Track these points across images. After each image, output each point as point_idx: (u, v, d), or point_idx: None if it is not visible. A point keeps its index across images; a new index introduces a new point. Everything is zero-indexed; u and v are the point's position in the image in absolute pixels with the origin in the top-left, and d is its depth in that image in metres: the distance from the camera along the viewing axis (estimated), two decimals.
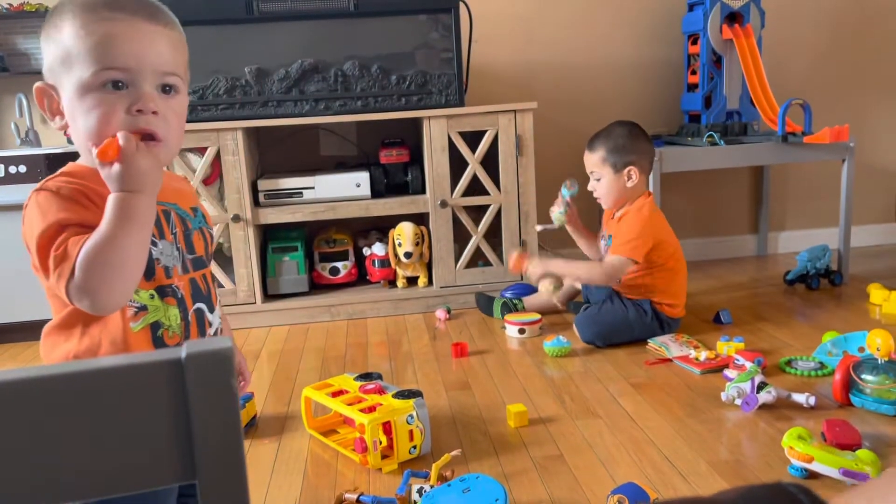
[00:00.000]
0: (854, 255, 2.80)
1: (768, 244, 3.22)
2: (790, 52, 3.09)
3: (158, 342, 0.90)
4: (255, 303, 2.53)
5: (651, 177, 2.51)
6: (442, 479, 1.36)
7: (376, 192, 2.61)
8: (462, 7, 2.55)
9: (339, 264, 2.69)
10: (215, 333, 0.98)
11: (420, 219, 2.66)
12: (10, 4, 2.70)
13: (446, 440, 1.57)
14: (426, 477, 1.38)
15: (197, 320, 0.95)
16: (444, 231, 2.58)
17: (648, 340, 2.10)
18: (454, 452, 1.43)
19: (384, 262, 2.64)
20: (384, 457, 1.47)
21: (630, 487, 1.26)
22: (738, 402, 1.64)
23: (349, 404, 1.52)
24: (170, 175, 0.98)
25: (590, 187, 2.25)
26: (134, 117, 0.84)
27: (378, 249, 2.64)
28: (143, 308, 0.89)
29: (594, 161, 2.20)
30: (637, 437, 1.55)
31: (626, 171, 2.16)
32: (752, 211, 3.23)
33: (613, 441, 1.53)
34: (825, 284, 2.64)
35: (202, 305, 0.96)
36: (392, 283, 2.68)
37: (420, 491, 1.31)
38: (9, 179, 2.37)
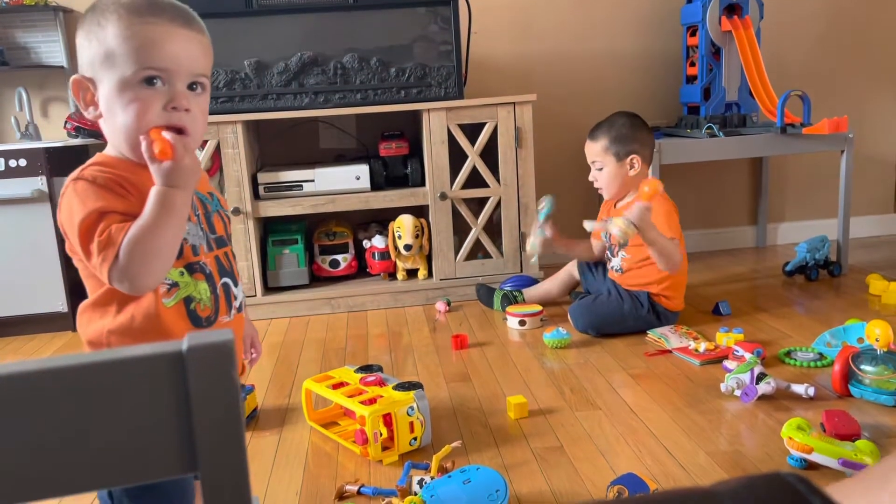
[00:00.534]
0: (853, 245, 2.80)
1: (767, 235, 3.22)
2: (789, 44, 3.08)
3: (192, 315, 0.98)
4: (255, 295, 2.54)
5: (650, 168, 2.51)
6: (442, 470, 1.37)
7: (376, 185, 2.61)
8: None
9: (339, 257, 2.69)
10: (240, 306, 1.06)
11: (420, 211, 2.66)
12: None
13: (447, 432, 1.58)
14: (427, 468, 1.39)
15: (224, 293, 1.02)
16: (444, 223, 2.58)
17: (648, 332, 2.10)
18: (454, 444, 1.44)
19: (384, 254, 2.64)
20: (385, 448, 1.48)
21: (630, 478, 1.26)
22: (738, 393, 1.64)
23: (350, 396, 1.52)
24: None
25: (591, 178, 2.25)
26: (168, 113, 0.92)
27: (378, 242, 2.64)
28: (174, 285, 0.96)
29: (596, 150, 2.20)
30: (637, 427, 1.55)
31: (628, 160, 2.16)
32: (751, 202, 3.23)
33: (613, 432, 1.54)
34: (824, 275, 2.64)
35: (228, 280, 1.03)
36: (392, 275, 2.68)
37: (421, 482, 1.32)
38: (9, 173, 2.37)
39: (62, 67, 2.77)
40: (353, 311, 2.58)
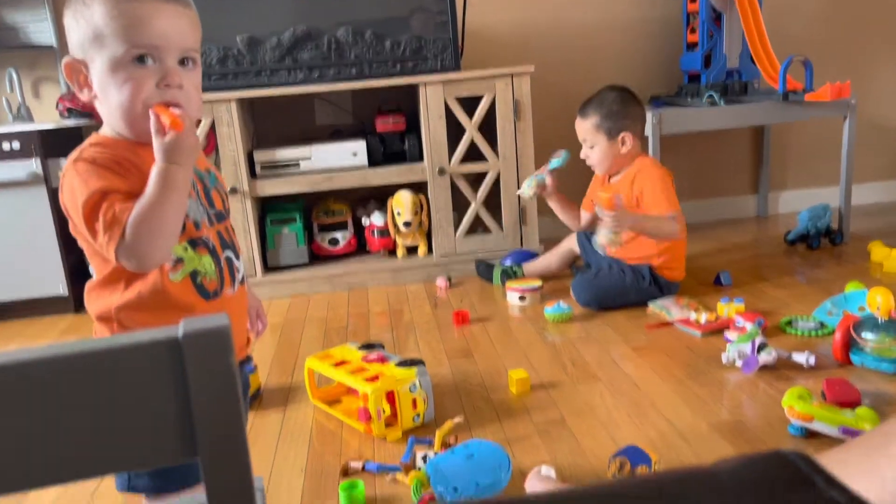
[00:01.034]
0: (855, 213, 2.79)
1: (769, 204, 3.21)
2: (791, 9, 3.03)
3: (200, 288, 0.99)
4: (255, 275, 2.54)
5: (651, 138, 2.49)
6: (445, 445, 1.38)
7: (373, 161, 2.59)
8: None
9: (338, 235, 2.68)
10: (242, 279, 1.08)
11: (418, 187, 2.64)
12: None
13: (449, 407, 1.59)
14: (430, 444, 1.40)
15: (228, 267, 1.04)
16: (443, 199, 2.56)
17: (649, 303, 2.10)
18: (457, 419, 1.45)
19: (383, 231, 2.63)
20: (388, 425, 1.48)
21: (632, 450, 1.27)
22: (739, 363, 1.65)
23: (352, 374, 1.53)
24: None
25: (582, 155, 2.23)
26: (161, 91, 0.93)
27: (377, 219, 2.63)
28: (179, 260, 0.98)
29: (587, 128, 2.18)
30: (638, 400, 1.56)
31: (620, 137, 2.14)
32: (752, 171, 3.21)
33: (615, 404, 1.55)
34: (826, 244, 2.63)
35: (230, 254, 1.05)
36: (392, 252, 2.67)
37: (424, 458, 1.33)
38: (3, 156, 2.36)
39: (52, 47, 2.73)
40: (354, 289, 2.58)
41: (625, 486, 0.36)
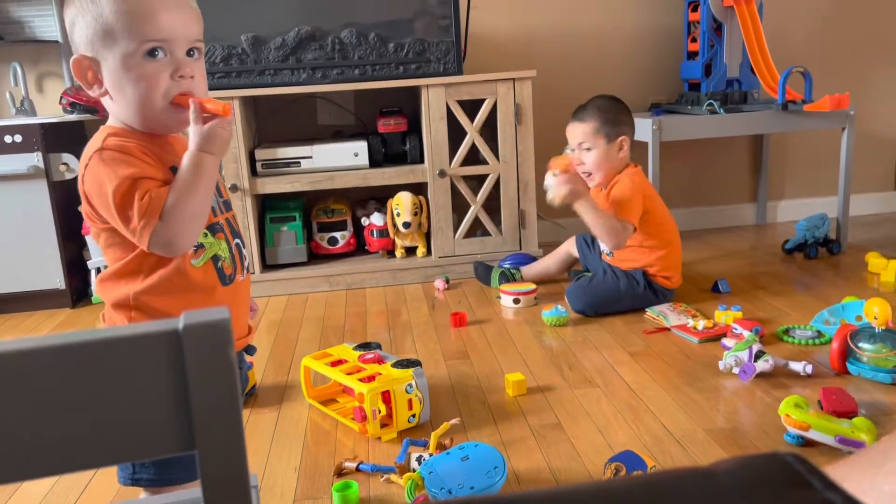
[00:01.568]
0: (853, 223, 2.80)
1: (767, 213, 3.21)
2: (791, 20, 3.04)
3: (220, 272, 1.03)
4: (253, 273, 2.53)
5: (650, 145, 2.50)
6: (441, 447, 1.37)
7: (374, 162, 2.59)
8: None
9: (337, 234, 2.69)
10: (247, 266, 1.11)
11: (418, 188, 2.64)
12: None
13: (445, 409, 1.59)
14: (425, 445, 1.40)
15: (238, 253, 1.07)
16: (443, 201, 2.57)
17: (646, 309, 2.10)
18: (453, 421, 1.45)
19: (383, 232, 2.63)
20: (383, 425, 1.48)
21: (627, 455, 1.27)
22: (736, 370, 1.65)
23: (348, 374, 1.53)
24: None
25: (575, 162, 2.16)
26: (177, 82, 0.95)
27: (376, 219, 2.63)
28: (200, 246, 1.01)
29: (586, 131, 2.16)
30: (635, 405, 1.56)
31: (618, 140, 2.14)
32: (751, 180, 3.21)
33: (611, 409, 1.55)
34: (823, 253, 2.64)
35: (239, 241, 1.09)
36: (391, 253, 2.67)
37: (419, 459, 1.33)
38: (5, 149, 2.36)
39: (56, 42, 2.74)
40: (352, 288, 2.58)
41: (620, 485, 0.36)
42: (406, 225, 2.56)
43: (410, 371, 1.51)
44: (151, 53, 0.93)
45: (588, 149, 2.17)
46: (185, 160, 0.94)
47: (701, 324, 1.92)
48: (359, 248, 2.74)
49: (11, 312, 2.52)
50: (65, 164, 2.42)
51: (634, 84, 2.95)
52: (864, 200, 3.22)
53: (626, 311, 2.13)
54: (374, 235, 2.65)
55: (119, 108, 0.98)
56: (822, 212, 2.69)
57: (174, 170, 0.97)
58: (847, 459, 0.37)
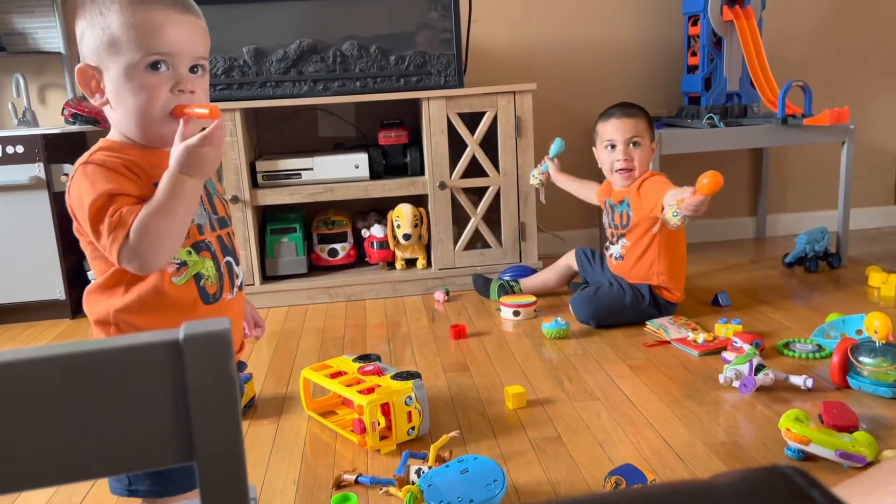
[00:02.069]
0: (853, 237, 2.80)
1: (767, 226, 3.22)
2: (791, 34, 3.06)
3: (202, 291, 1.02)
4: (253, 284, 2.53)
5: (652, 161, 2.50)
6: (440, 460, 1.37)
7: (375, 174, 2.60)
8: None
9: (337, 246, 2.69)
10: (241, 284, 1.10)
11: (419, 200, 2.65)
12: None
13: (444, 421, 1.58)
14: (424, 458, 1.39)
15: (228, 271, 1.06)
16: (443, 213, 2.57)
17: (647, 322, 2.10)
18: (452, 433, 1.44)
19: (383, 243, 2.64)
20: (382, 438, 1.48)
21: (627, 469, 1.26)
22: (736, 384, 1.64)
23: (348, 385, 1.52)
24: None
25: (619, 157, 2.14)
26: (176, 96, 0.96)
27: (377, 231, 2.63)
28: (183, 264, 1.00)
29: (639, 127, 2.15)
30: (635, 418, 1.55)
31: (654, 143, 2.21)
32: (751, 193, 3.22)
33: (611, 423, 1.54)
34: (824, 267, 2.64)
35: (230, 259, 1.07)
36: (391, 264, 2.68)
37: (418, 472, 1.32)
38: (6, 160, 2.36)
39: (59, 53, 2.75)
40: (352, 300, 2.58)
41: (620, 498, 0.36)
42: (406, 237, 2.56)
43: (410, 383, 1.51)
44: (154, 66, 0.94)
45: (637, 144, 2.15)
46: (163, 179, 0.93)
47: (701, 337, 1.92)
48: (359, 259, 2.74)
49: (11, 323, 2.52)
50: (66, 174, 2.42)
51: (635, 97, 2.94)
52: (864, 214, 3.22)
53: (628, 324, 2.12)
54: (375, 247, 2.65)
55: (119, 118, 0.98)
56: (822, 225, 2.69)
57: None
58: (854, 478, 0.37)
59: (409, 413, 1.48)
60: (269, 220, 2.65)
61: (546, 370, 1.84)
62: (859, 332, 1.84)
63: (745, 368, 1.64)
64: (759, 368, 1.63)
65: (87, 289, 1.02)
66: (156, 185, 0.97)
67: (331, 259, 2.68)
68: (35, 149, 2.38)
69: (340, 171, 2.56)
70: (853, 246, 2.81)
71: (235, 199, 2.46)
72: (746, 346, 1.76)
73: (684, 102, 2.91)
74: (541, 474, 1.35)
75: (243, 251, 2.50)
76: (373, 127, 2.74)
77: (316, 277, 2.62)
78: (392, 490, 1.31)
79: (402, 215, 2.56)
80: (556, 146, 2.43)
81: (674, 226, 1.97)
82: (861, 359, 1.60)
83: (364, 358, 1.67)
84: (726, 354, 1.81)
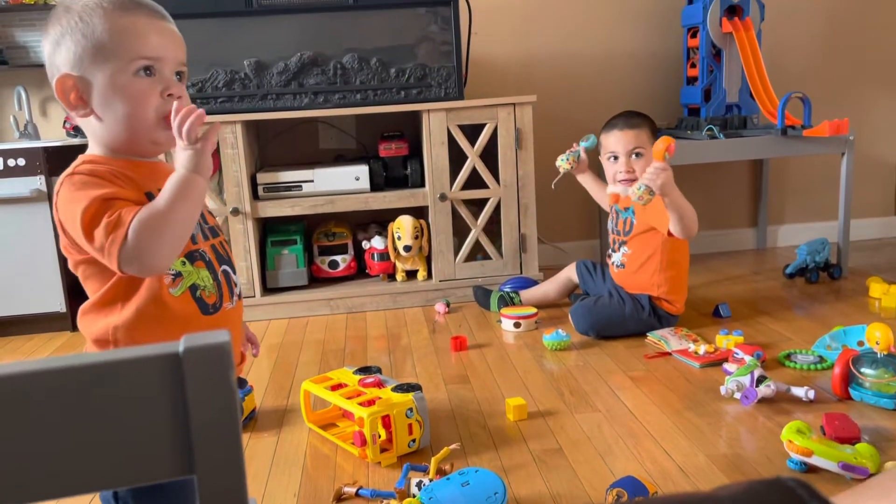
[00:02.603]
0: (853, 248, 2.80)
1: (767, 237, 3.22)
2: (790, 46, 3.08)
3: (199, 301, 1.00)
4: (254, 296, 2.53)
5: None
6: (441, 472, 1.36)
7: (375, 186, 2.60)
8: (461, 0, 2.54)
9: (338, 258, 2.69)
10: (239, 293, 1.09)
11: (419, 212, 2.65)
12: None
13: (445, 434, 1.57)
14: (425, 470, 1.39)
15: (226, 280, 1.05)
16: (444, 224, 2.57)
17: (648, 334, 2.10)
18: (453, 446, 1.44)
19: (383, 255, 2.64)
20: (383, 450, 1.47)
21: (629, 481, 1.26)
22: (738, 395, 1.64)
23: (348, 398, 1.52)
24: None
25: (623, 168, 2.15)
26: (165, 101, 0.96)
27: (377, 243, 2.64)
28: (178, 275, 0.98)
29: (641, 137, 2.16)
30: (636, 430, 1.55)
31: None
32: (751, 204, 3.22)
33: (612, 435, 1.54)
34: (824, 278, 2.64)
35: (227, 267, 1.06)
36: (391, 276, 2.67)
37: (419, 484, 1.31)
38: (8, 173, 2.37)
39: None
40: (352, 312, 2.58)
41: None
42: (407, 248, 2.56)
43: (411, 395, 1.50)
44: (144, 70, 0.94)
45: (639, 154, 2.16)
46: (171, 181, 0.92)
47: (702, 348, 1.91)
48: (359, 271, 2.74)
49: (12, 335, 2.52)
50: None
51: (635, 108, 2.95)
52: (864, 225, 3.22)
53: (629, 335, 2.12)
54: (375, 259, 2.66)
55: (106, 128, 0.96)
56: (823, 236, 2.69)
57: (150, 196, 0.95)
58: (855, 488, 0.37)
59: (410, 425, 1.48)
60: (270, 231, 2.65)
61: (547, 382, 1.84)
62: (861, 343, 1.83)
63: (746, 380, 1.63)
64: (761, 380, 1.62)
65: (82, 308, 0.99)
66: (147, 194, 0.96)
67: (331, 271, 2.68)
68: (36, 161, 2.39)
69: (341, 183, 2.57)
70: (854, 257, 2.81)
71: (236, 211, 2.47)
72: (748, 358, 1.76)
73: (684, 114, 2.93)
74: (542, 487, 1.34)
75: (244, 263, 2.50)
76: (373, 139, 2.74)
77: (316, 289, 2.62)
78: (393, 503, 1.30)
79: (403, 227, 2.57)
80: (589, 142, 2.34)
81: (638, 199, 1.90)
82: (863, 370, 1.60)
83: (365, 370, 1.67)
84: (728, 366, 1.80)
